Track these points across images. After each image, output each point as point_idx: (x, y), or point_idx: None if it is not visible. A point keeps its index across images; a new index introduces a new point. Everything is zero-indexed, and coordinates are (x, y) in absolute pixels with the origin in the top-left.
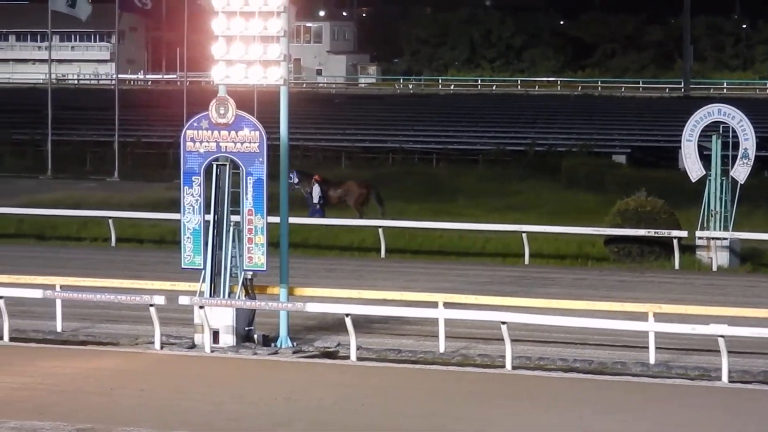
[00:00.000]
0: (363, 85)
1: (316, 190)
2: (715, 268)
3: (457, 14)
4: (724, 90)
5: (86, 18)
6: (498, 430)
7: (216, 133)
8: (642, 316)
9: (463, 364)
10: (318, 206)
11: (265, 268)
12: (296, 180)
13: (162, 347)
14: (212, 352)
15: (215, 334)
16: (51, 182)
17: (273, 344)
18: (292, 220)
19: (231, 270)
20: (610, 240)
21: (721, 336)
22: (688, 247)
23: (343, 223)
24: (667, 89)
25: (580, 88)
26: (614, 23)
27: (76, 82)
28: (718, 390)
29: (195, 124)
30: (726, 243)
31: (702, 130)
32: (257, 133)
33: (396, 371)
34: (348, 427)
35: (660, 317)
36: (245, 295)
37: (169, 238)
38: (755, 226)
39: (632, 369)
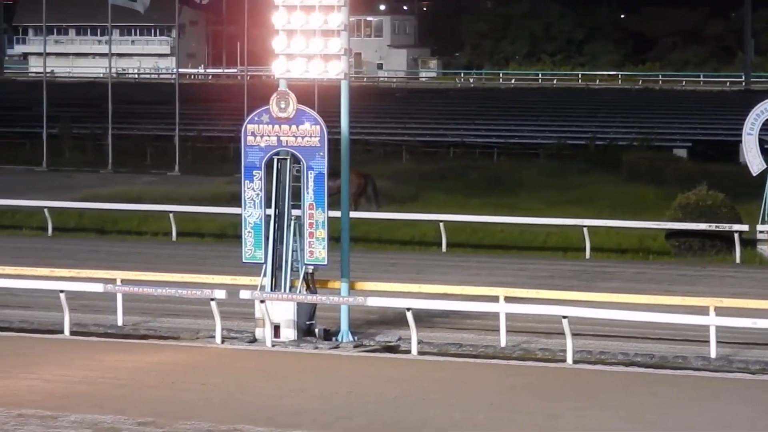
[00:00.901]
0: (424, 79)
1: None
2: None
3: (518, 8)
4: None
5: (144, 9)
6: (559, 424)
7: (277, 127)
8: (703, 311)
9: (524, 359)
10: None
11: (326, 263)
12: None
13: (223, 341)
14: (273, 346)
15: (276, 329)
16: (111, 176)
17: (334, 338)
18: (353, 214)
19: (292, 264)
20: (671, 234)
21: None
22: (749, 241)
23: (404, 217)
24: (728, 83)
25: (640, 81)
26: (675, 17)
27: (136, 76)
28: None
29: (256, 119)
30: None
31: (763, 124)
32: (318, 127)
33: (457, 365)
34: (409, 421)
35: (721, 311)
36: (306, 290)
37: (229, 233)
38: None
39: (693, 363)
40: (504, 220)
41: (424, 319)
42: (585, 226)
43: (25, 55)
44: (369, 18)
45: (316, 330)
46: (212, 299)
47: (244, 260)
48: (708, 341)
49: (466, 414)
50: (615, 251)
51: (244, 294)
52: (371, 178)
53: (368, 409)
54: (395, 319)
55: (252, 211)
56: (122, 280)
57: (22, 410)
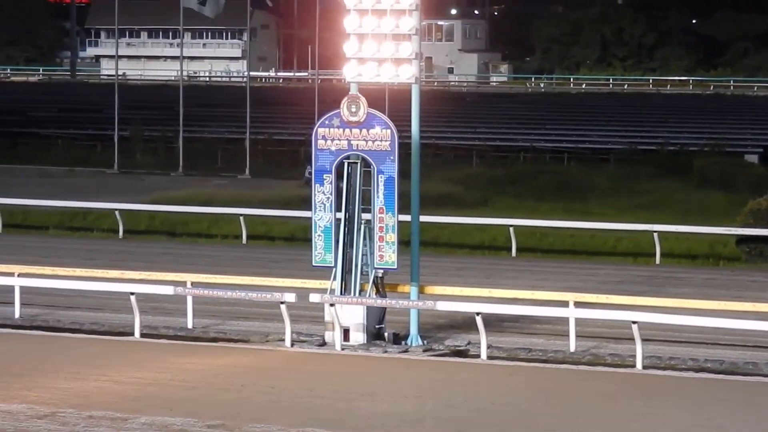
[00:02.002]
0: (494, 84)
1: None
2: None
3: (589, 12)
4: None
5: (214, 15)
6: (628, 429)
7: (347, 131)
8: None
9: (593, 364)
10: None
11: (395, 266)
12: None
13: (292, 345)
14: (343, 349)
15: (346, 332)
16: (182, 179)
17: (403, 342)
18: (423, 218)
19: (362, 268)
20: (742, 240)
21: None
22: None
23: (474, 221)
24: None
25: (712, 87)
26: (747, 21)
27: (207, 79)
28: None
29: (326, 122)
30: None
31: None
32: (388, 131)
33: (526, 370)
34: (478, 425)
35: None
36: (376, 293)
37: (300, 236)
38: None
39: (763, 369)
40: (574, 225)
41: (494, 323)
42: (655, 232)
43: (97, 58)
44: (440, 22)
45: (386, 334)
46: (282, 302)
47: (314, 264)
48: None
49: (534, 418)
50: (685, 257)
51: (314, 297)
52: None
53: (437, 413)
54: (464, 323)
55: (322, 214)
56: (192, 283)
57: (92, 412)
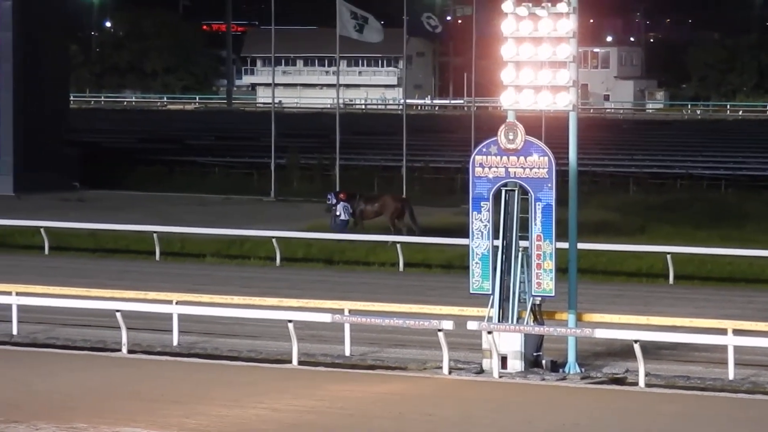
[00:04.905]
0: (650, 111)
1: (340, 207)
2: None
3: (746, 39)
4: None
5: (378, 40)
6: None
7: (505, 158)
8: None
9: (752, 392)
10: (339, 221)
11: (553, 294)
12: (334, 201)
13: (450, 372)
14: (500, 377)
15: (503, 360)
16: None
17: (561, 370)
18: (581, 245)
19: (519, 295)
20: None
21: None
22: None
23: (631, 249)
24: None
25: None
26: None
27: (363, 107)
28: None
29: (484, 150)
30: None
31: None
32: (546, 158)
33: (684, 398)
34: None
35: None
36: (533, 321)
37: (457, 263)
38: None
39: None
40: (732, 252)
41: (651, 351)
42: None
43: (253, 86)
44: (596, 49)
45: (543, 361)
46: (440, 330)
47: (471, 291)
48: None
49: None
50: None
51: (472, 325)
52: (408, 202)
53: None
54: (622, 351)
55: (480, 242)
56: (350, 311)
57: None
